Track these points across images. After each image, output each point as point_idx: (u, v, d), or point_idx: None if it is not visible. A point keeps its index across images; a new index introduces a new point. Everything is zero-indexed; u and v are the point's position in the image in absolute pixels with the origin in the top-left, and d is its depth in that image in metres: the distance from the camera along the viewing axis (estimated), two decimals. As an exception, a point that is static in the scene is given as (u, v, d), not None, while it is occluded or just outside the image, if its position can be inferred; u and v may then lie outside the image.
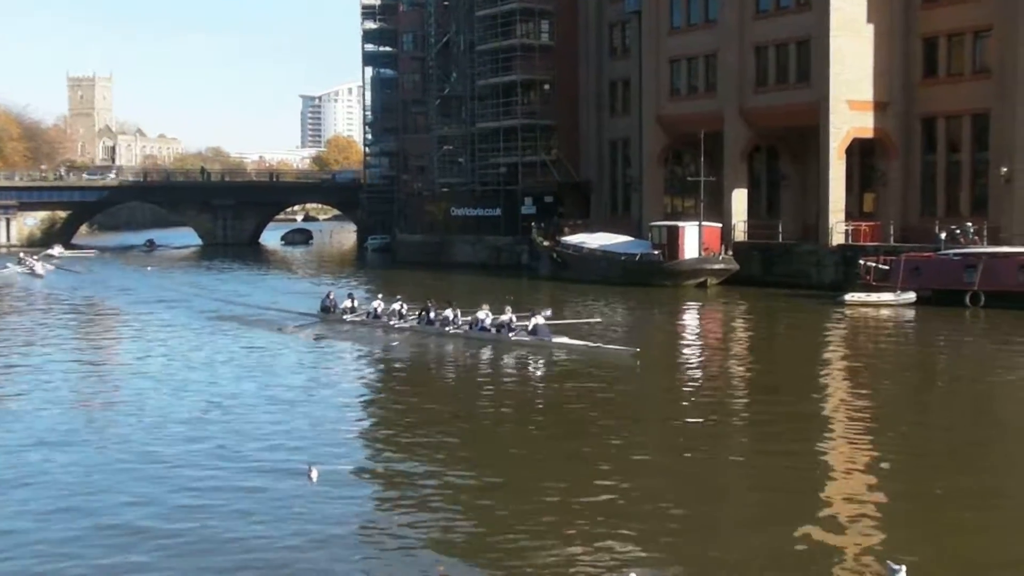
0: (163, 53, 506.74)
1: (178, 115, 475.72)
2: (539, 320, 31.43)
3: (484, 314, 33.06)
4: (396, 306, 36.16)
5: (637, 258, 54.49)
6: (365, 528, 14.37)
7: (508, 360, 29.89)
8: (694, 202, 54.99)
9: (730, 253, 52.56)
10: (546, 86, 73.52)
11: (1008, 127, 46.94)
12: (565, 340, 30.73)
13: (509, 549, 13.46)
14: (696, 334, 38.31)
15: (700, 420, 21.42)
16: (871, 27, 50.49)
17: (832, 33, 49.64)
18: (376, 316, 36.51)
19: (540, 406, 23.83)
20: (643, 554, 13.17)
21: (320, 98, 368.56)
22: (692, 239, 52.58)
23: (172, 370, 28.24)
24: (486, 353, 31.14)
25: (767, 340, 36.21)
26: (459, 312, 34.02)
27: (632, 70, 64.50)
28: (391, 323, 35.69)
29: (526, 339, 31.18)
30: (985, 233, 45.18)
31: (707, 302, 46.97)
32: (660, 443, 19.87)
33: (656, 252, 53.65)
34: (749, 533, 14.18)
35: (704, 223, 52.55)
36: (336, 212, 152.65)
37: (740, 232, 54.87)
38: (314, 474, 16.39)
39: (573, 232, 62.92)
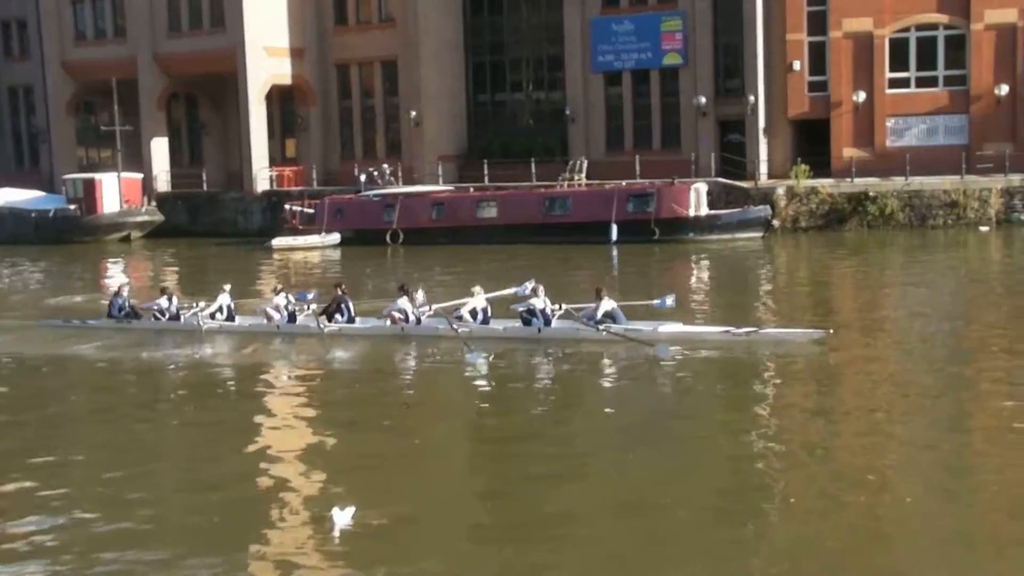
0: None
1: None
2: (607, 303, 20.54)
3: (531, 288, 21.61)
4: (279, 299, 23.28)
5: (51, 214, 50.70)
6: None
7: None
8: (111, 153, 52.22)
9: (154, 204, 50.76)
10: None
11: (414, 73, 49.72)
12: (680, 328, 20.44)
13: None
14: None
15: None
16: (282, -27, 50.76)
17: (244, -23, 49.21)
18: (231, 317, 23.76)
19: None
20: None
21: None
22: (111, 191, 49.96)
23: None
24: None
25: (198, 289, 35.19)
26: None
27: (28, 11, 59.26)
28: (265, 323, 23.19)
29: (617, 330, 19.99)
30: (400, 174, 47.68)
31: (133, 255, 45.04)
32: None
33: (72, 207, 50.34)
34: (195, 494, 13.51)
35: (123, 174, 50.11)
36: None
37: (163, 183, 53.18)
38: None
39: (-29, 189, 56.95)
